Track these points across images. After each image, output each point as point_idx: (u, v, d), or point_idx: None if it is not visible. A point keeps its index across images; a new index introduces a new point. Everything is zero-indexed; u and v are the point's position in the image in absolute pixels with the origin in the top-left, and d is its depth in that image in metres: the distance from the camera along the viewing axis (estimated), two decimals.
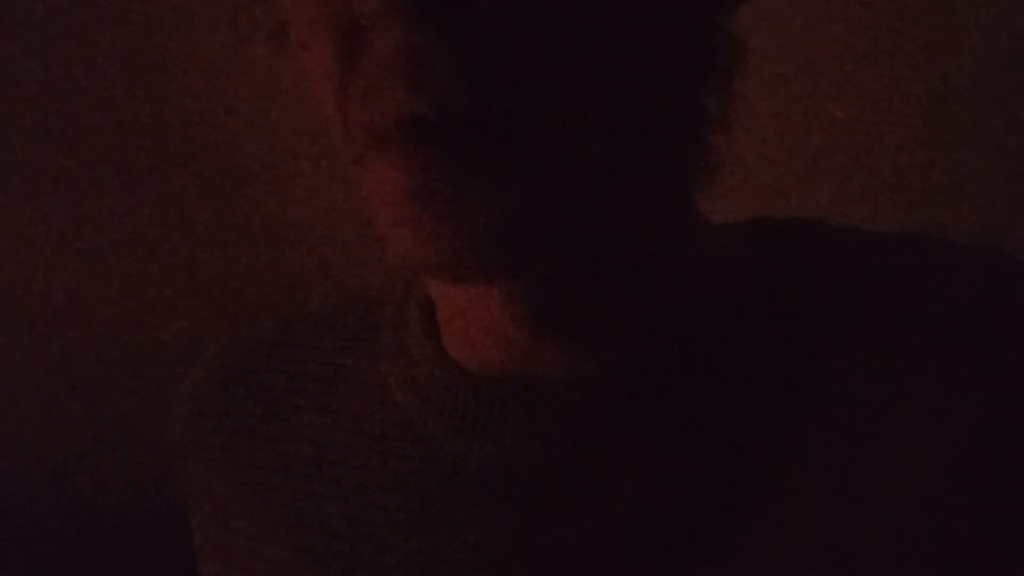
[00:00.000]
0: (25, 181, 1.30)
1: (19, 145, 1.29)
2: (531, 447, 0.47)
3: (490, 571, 0.47)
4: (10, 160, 1.30)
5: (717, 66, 0.46)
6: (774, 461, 0.46)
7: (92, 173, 1.29)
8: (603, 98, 0.41)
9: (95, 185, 1.29)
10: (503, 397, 0.47)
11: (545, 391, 0.47)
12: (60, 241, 1.31)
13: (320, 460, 0.52)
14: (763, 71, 1.05)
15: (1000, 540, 0.45)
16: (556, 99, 0.40)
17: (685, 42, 0.44)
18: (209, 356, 0.58)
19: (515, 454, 0.47)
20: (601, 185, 0.42)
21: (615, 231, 0.45)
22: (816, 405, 0.47)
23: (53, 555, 1.31)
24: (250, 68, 1.23)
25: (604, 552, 0.46)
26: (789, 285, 0.49)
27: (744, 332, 0.48)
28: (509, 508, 0.47)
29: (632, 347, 0.47)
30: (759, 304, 0.48)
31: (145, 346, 1.32)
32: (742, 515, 0.45)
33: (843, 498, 0.45)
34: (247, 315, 1.27)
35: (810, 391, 0.47)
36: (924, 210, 1.06)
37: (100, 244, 1.31)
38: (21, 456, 1.34)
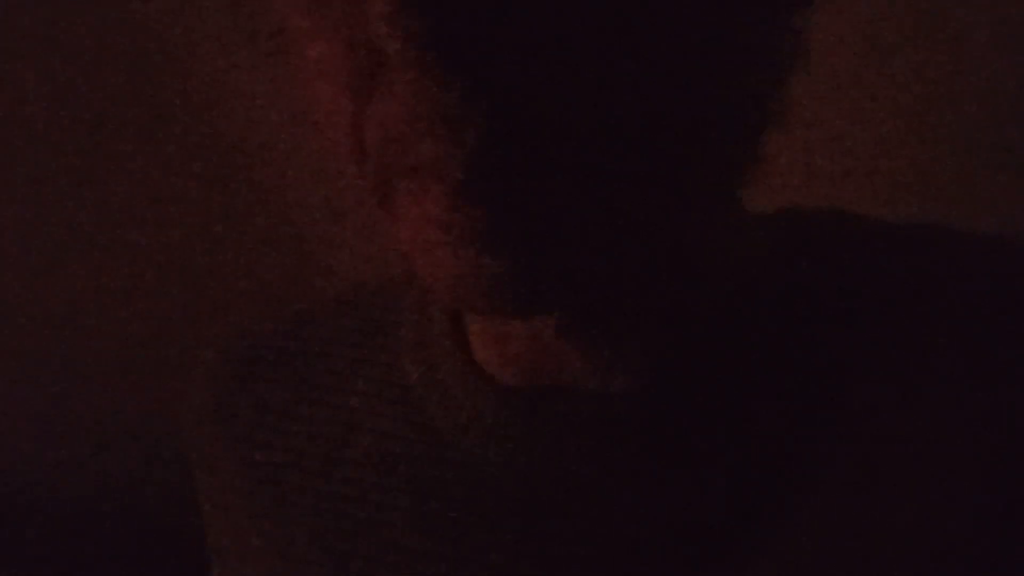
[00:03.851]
0: (25, 181, 1.30)
1: (19, 145, 1.29)
2: (559, 458, 0.46)
3: None
4: (10, 160, 1.30)
5: (780, 68, 0.43)
6: (803, 471, 0.45)
7: (92, 172, 1.29)
8: (653, 132, 0.38)
9: (95, 185, 1.29)
10: (533, 408, 0.46)
11: (576, 403, 0.46)
12: (59, 241, 1.31)
13: (337, 458, 0.51)
14: None
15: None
16: (599, 145, 0.37)
17: (750, 54, 0.41)
18: (222, 346, 0.57)
19: (543, 464, 0.46)
20: (646, 214, 0.40)
21: (658, 252, 0.43)
22: (844, 411, 0.46)
23: (53, 555, 1.31)
24: (253, 68, 1.23)
25: (627, 565, 0.45)
26: (820, 281, 0.48)
27: (779, 339, 0.46)
28: (534, 517, 0.46)
29: (664, 357, 0.46)
30: (793, 305, 0.47)
31: (145, 346, 1.32)
32: (769, 528, 0.45)
33: (872, 506, 0.44)
34: (248, 315, 1.27)
35: (838, 396, 0.46)
36: (922, 210, 1.06)
37: (100, 244, 1.31)
38: (21, 456, 1.33)
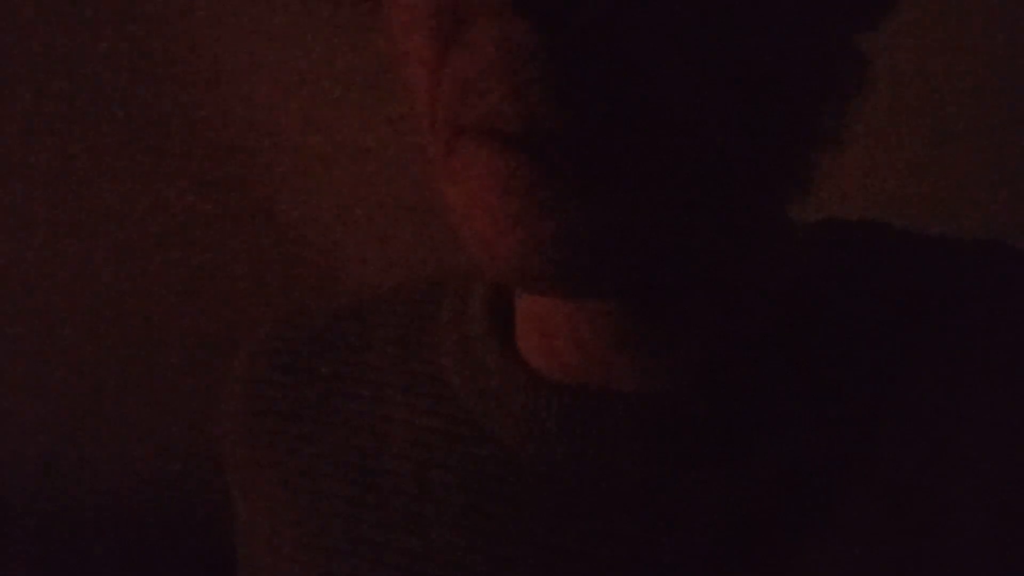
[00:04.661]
0: (25, 181, 1.30)
1: (19, 144, 1.29)
2: (604, 458, 0.46)
3: None
4: (10, 159, 1.30)
5: (839, 88, 0.43)
6: (842, 481, 0.45)
7: (94, 172, 1.29)
8: (714, 124, 0.39)
9: (97, 184, 1.29)
10: (576, 405, 0.47)
11: (621, 403, 0.46)
12: (60, 241, 1.31)
13: (377, 453, 0.51)
14: None
15: None
16: (663, 126, 0.38)
17: (809, 68, 0.42)
18: (260, 340, 0.57)
19: (587, 463, 0.46)
20: (699, 208, 0.41)
21: (708, 252, 0.44)
22: (887, 424, 0.46)
23: (53, 555, 1.31)
24: (255, 67, 1.23)
25: (666, 567, 0.45)
26: (864, 294, 0.48)
27: (820, 347, 0.47)
28: (578, 516, 0.46)
29: (707, 361, 0.46)
30: (832, 315, 0.47)
31: (146, 346, 1.32)
32: (806, 537, 0.45)
33: (910, 525, 0.44)
34: (249, 315, 1.27)
35: (881, 408, 0.46)
36: (921, 210, 1.07)
37: (101, 243, 1.30)
38: (21, 456, 1.33)
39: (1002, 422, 0.45)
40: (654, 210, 0.39)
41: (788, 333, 0.47)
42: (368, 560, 0.50)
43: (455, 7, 0.39)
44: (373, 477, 0.51)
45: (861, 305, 0.48)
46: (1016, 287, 0.48)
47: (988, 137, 1.04)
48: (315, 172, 1.25)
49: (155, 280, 1.31)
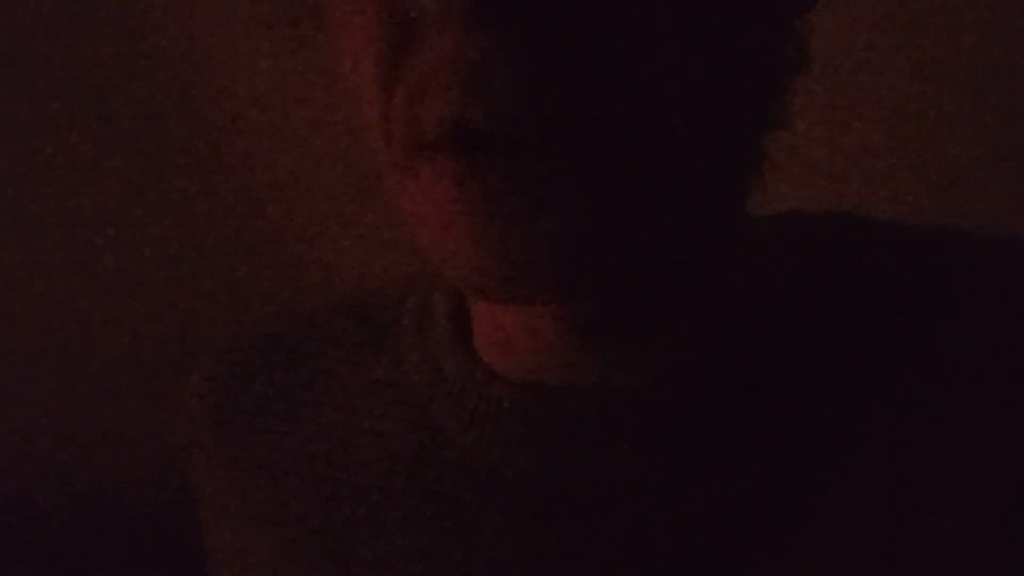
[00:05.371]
0: (24, 180, 1.30)
1: (18, 144, 1.29)
2: (569, 457, 0.46)
3: None
4: (9, 159, 1.30)
5: (783, 71, 0.44)
6: (817, 476, 0.44)
7: (92, 173, 1.29)
8: (671, 117, 0.39)
9: (95, 185, 1.29)
10: (541, 407, 0.46)
11: (584, 400, 0.45)
12: (59, 240, 1.31)
13: (340, 461, 0.50)
14: None
15: None
16: (621, 117, 0.38)
17: (756, 53, 0.42)
18: (220, 349, 0.57)
19: (552, 464, 0.46)
20: (661, 204, 0.40)
21: (669, 246, 0.44)
22: (863, 416, 0.45)
23: (53, 555, 1.31)
24: (253, 68, 1.23)
25: (636, 565, 0.45)
26: (832, 286, 0.47)
27: (787, 340, 0.46)
28: (545, 517, 0.46)
29: (674, 356, 0.45)
30: (801, 308, 0.47)
31: (145, 346, 1.32)
32: (779, 533, 0.44)
33: (892, 515, 0.44)
34: (248, 316, 1.27)
35: (857, 401, 0.45)
36: (921, 209, 1.06)
37: (99, 244, 1.31)
38: (21, 456, 1.33)
39: (990, 414, 0.45)
40: (617, 213, 0.39)
41: (752, 327, 0.46)
42: (333, 568, 0.49)
43: (406, 14, 0.38)
44: (337, 484, 0.50)
45: (825, 295, 0.47)
46: (982, 272, 0.48)
47: (986, 136, 1.04)
48: (312, 173, 1.25)
49: (155, 281, 1.31)
